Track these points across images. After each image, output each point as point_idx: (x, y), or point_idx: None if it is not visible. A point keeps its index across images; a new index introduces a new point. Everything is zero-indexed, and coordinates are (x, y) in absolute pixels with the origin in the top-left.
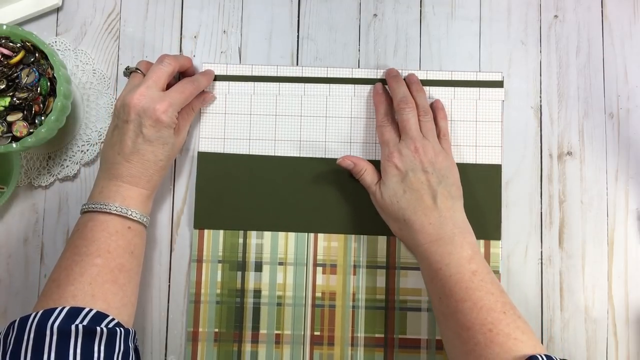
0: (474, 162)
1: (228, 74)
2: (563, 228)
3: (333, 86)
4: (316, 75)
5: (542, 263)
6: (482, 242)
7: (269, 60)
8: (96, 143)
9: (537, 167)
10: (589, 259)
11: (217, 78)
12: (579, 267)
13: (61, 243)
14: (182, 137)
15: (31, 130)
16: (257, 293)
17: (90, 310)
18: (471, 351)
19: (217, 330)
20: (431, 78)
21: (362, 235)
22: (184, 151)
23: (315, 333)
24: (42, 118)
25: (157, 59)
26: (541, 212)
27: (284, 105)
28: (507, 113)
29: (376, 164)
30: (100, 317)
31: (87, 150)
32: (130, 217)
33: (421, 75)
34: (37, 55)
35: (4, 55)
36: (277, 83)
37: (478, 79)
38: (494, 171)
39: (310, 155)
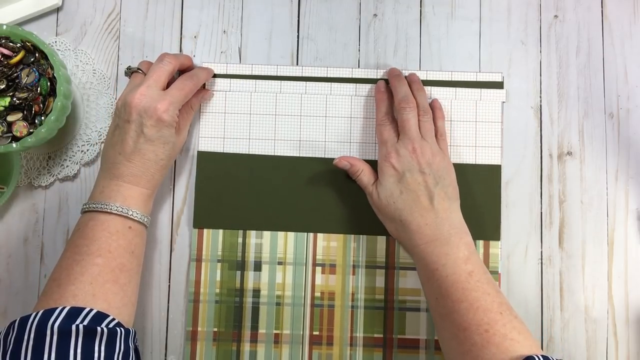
0: (474, 163)
1: (228, 73)
2: (563, 228)
3: (333, 85)
4: (316, 76)
5: (542, 263)
6: (481, 242)
7: (269, 60)
8: (96, 143)
9: (537, 167)
10: (589, 259)
11: (217, 76)
12: (579, 267)
13: (61, 243)
14: (183, 137)
15: (31, 130)
16: (256, 292)
17: (91, 310)
18: (468, 352)
19: (216, 329)
20: (431, 78)
21: (361, 235)
22: (183, 151)
23: (314, 333)
24: (42, 118)
25: (157, 57)
26: (541, 212)
27: (284, 105)
28: (507, 113)
29: (375, 164)
30: (100, 317)
31: (87, 150)
32: (131, 217)
33: (421, 75)
34: (37, 55)
35: (4, 55)
36: (278, 81)
37: (478, 80)
38: (494, 171)
39: (310, 155)
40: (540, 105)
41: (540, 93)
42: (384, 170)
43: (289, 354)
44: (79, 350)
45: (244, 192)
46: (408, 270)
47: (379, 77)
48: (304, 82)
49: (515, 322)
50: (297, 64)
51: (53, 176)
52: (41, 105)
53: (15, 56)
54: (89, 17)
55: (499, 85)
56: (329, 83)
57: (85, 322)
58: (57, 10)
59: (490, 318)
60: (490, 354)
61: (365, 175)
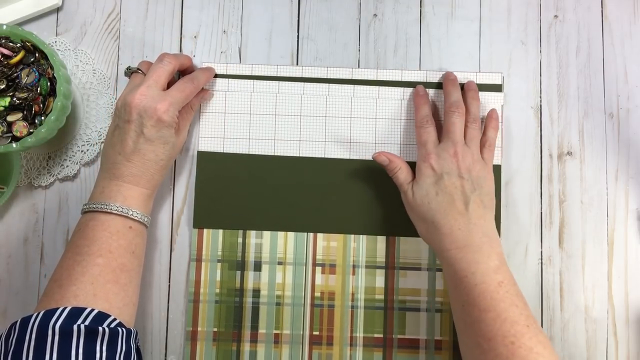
0: None
1: (228, 73)
2: (563, 228)
3: (332, 85)
4: (316, 76)
5: (542, 263)
6: None
7: (269, 60)
8: (96, 143)
9: (537, 167)
10: (589, 259)
11: (217, 76)
12: (579, 267)
13: (61, 243)
14: (183, 137)
15: (31, 130)
16: (256, 292)
17: (92, 310)
18: None
19: (216, 329)
20: (431, 79)
21: (361, 235)
22: (183, 151)
23: (314, 333)
24: (42, 118)
25: (157, 57)
26: (541, 212)
27: (284, 105)
28: (507, 113)
29: (374, 164)
30: (102, 317)
31: (87, 150)
32: (131, 217)
33: (421, 75)
34: (37, 55)
35: (4, 55)
36: (277, 81)
37: (478, 81)
38: (494, 171)
39: (310, 155)
40: (540, 105)
41: (540, 93)
42: (422, 171)
43: (289, 354)
44: (80, 351)
45: (244, 192)
46: (408, 270)
47: (379, 77)
48: (303, 83)
49: (540, 336)
50: (297, 64)
51: (53, 176)
52: (41, 105)
53: (15, 56)
54: (89, 17)
55: (497, 88)
56: (327, 84)
57: (87, 323)
58: (57, 10)
59: (517, 330)
60: None
61: (402, 173)
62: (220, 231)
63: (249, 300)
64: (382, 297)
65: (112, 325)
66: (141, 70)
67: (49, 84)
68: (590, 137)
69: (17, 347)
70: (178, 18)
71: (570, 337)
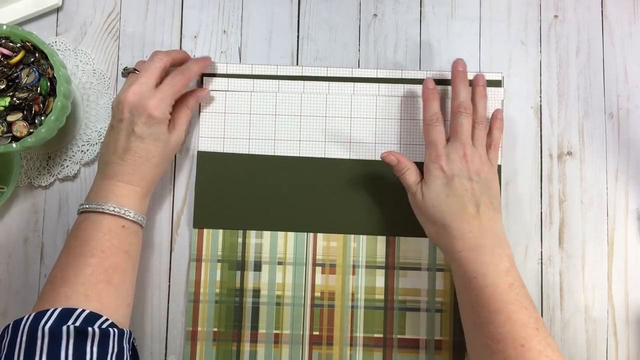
0: None
1: (228, 73)
2: (563, 228)
3: (333, 84)
4: (316, 75)
5: (542, 263)
6: None
7: (269, 60)
8: (96, 143)
9: (537, 167)
10: (589, 259)
11: (217, 76)
12: (579, 267)
13: (61, 243)
14: (178, 135)
15: (31, 130)
16: (256, 292)
17: (83, 310)
18: None
19: (216, 329)
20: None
21: (361, 235)
22: (183, 151)
23: (314, 333)
24: (42, 118)
25: (150, 56)
26: (541, 212)
27: (284, 104)
28: (507, 113)
29: (374, 164)
30: (93, 317)
31: (87, 150)
32: (124, 216)
33: (421, 75)
34: (37, 55)
35: (4, 55)
36: (277, 80)
37: None
38: None
39: (310, 155)
40: (540, 105)
41: (540, 93)
42: (432, 172)
43: (289, 354)
44: (70, 352)
45: (244, 192)
46: (408, 270)
47: (379, 76)
48: (302, 82)
49: (549, 340)
50: (297, 64)
51: (53, 176)
52: (41, 105)
53: (15, 56)
54: (89, 17)
55: (497, 83)
56: (327, 82)
57: (77, 323)
58: (57, 10)
59: (527, 333)
60: None
61: (411, 174)
62: (220, 231)
63: (249, 300)
64: (382, 297)
65: (104, 326)
66: (137, 71)
67: (49, 84)
68: (590, 137)
69: (9, 350)
70: (178, 18)
71: (570, 337)
